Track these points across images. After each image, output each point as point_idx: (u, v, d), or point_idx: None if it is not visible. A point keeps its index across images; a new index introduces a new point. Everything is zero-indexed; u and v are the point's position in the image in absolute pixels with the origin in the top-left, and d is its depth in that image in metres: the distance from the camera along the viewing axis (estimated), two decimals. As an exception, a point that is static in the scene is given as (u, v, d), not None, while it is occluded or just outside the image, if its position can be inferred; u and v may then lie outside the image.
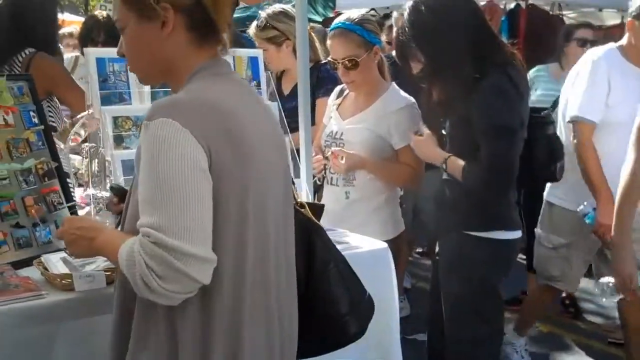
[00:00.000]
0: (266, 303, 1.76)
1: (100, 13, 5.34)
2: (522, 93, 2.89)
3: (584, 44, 5.00)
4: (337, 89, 3.56)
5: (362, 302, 2.14)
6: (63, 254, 2.27)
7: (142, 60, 1.80)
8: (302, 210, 2.03)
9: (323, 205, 2.30)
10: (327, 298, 2.02)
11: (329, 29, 3.38)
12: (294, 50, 3.84)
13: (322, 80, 3.90)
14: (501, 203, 2.98)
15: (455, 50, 2.88)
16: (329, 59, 3.36)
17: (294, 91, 3.66)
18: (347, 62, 3.24)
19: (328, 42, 3.36)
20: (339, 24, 3.29)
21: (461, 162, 2.93)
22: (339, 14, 5.42)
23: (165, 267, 1.53)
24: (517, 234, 3.03)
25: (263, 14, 4.03)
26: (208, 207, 1.59)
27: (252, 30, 4.05)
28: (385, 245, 2.87)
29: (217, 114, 1.65)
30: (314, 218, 2.03)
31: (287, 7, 4.17)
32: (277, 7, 4.06)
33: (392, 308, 2.82)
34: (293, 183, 1.99)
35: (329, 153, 3.27)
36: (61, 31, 6.60)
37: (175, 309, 1.63)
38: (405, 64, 3.07)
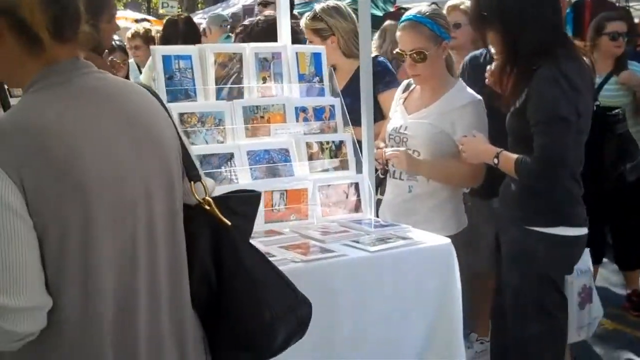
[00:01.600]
0: (131, 329, 1.60)
1: (180, 18, 5.39)
2: (577, 85, 2.82)
3: (616, 37, 4.87)
4: (404, 83, 3.55)
5: (290, 308, 1.87)
6: None
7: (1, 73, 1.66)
8: (208, 209, 1.78)
9: (257, 195, 1.98)
10: (243, 306, 1.80)
11: (400, 21, 3.38)
12: (340, 47, 3.87)
13: (378, 74, 3.89)
14: (564, 199, 2.94)
15: (528, 34, 2.87)
16: (396, 50, 3.36)
17: (347, 87, 3.67)
18: (415, 55, 3.23)
19: (397, 33, 3.36)
20: (410, 16, 3.29)
21: (514, 156, 2.89)
22: (399, 9, 5.41)
23: None
24: (581, 231, 2.98)
25: (318, 6, 4.08)
26: (25, 251, 1.43)
27: (303, 20, 4.09)
28: (449, 240, 2.85)
29: (38, 141, 1.46)
30: (221, 217, 1.77)
31: (343, 3, 4.18)
32: (332, 2, 4.08)
33: (455, 304, 2.79)
34: (192, 180, 1.79)
35: (387, 153, 3.27)
36: (128, 32, 6.76)
37: (17, 352, 1.51)
38: (482, 39, 3.11)
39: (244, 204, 1.90)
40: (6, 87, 2.45)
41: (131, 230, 1.58)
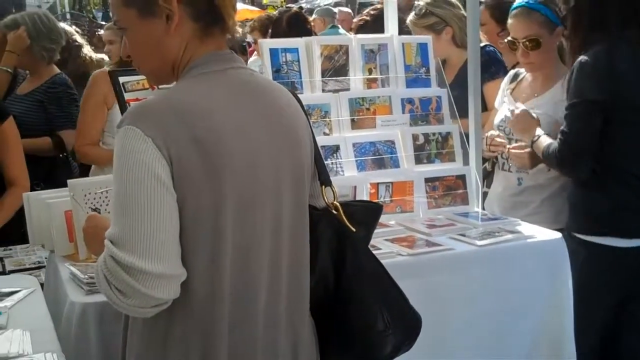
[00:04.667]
0: (251, 314, 1.64)
1: (285, 16, 5.39)
2: (618, 71, 2.70)
3: None
4: (511, 72, 3.46)
5: (402, 319, 1.87)
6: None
7: (151, 60, 1.69)
8: (335, 213, 1.83)
9: (379, 206, 2.04)
10: (359, 311, 1.81)
11: (511, 7, 3.29)
12: (454, 38, 3.78)
13: (485, 63, 3.78)
14: (612, 206, 2.76)
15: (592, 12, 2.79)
16: (508, 38, 3.27)
17: (457, 79, 3.59)
18: (527, 43, 3.14)
19: (509, 21, 3.27)
20: (522, 3, 3.20)
21: (546, 142, 2.91)
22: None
23: (122, 283, 1.47)
24: (631, 243, 2.74)
25: (421, 1, 3.92)
26: (168, 221, 1.50)
27: (409, 18, 3.96)
28: (560, 235, 2.76)
29: (186, 121, 1.53)
30: (347, 222, 1.82)
31: None
32: None
33: (566, 302, 2.71)
34: (324, 184, 1.84)
35: (506, 148, 3.19)
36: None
37: (149, 318, 1.58)
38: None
39: (366, 214, 1.94)
40: (122, 82, 2.54)
41: (258, 221, 1.62)
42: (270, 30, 5.26)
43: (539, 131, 3.00)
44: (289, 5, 9.62)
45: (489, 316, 2.62)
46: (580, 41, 2.82)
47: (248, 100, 1.65)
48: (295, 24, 5.19)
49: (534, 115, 3.07)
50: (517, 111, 3.10)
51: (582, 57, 2.76)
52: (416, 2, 3.98)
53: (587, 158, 2.79)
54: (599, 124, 2.75)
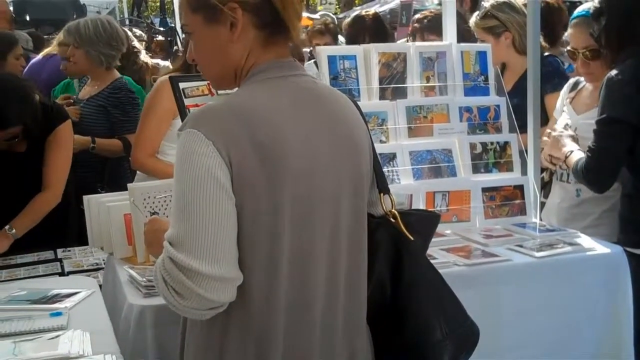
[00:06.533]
0: (307, 320, 1.64)
1: (367, 15, 5.35)
2: None
3: None
4: (571, 81, 3.40)
5: (460, 329, 1.85)
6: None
7: (214, 65, 1.71)
8: (393, 221, 1.82)
9: (437, 216, 2.04)
10: (416, 320, 1.80)
11: (571, 17, 3.24)
12: (514, 44, 3.74)
13: (548, 74, 3.72)
14: None
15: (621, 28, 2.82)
16: (568, 48, 3.22)
17: (516, 87, 3.55)
18: (587, 53, 3.08)
19: (569, 30, 3.23)
20: (582, 12, 3.15)
21: (577, 157, 2.89)
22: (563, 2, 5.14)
23: (179, 284, 1.49)
24: None
25: (486, 3, 3.93)
26: (226, 224, 1.51)
27: (472, 19, 3.97)
28: (621, 248, 2.71)
29: (248, 125, 1.54)
30: (405, 231, 1.81)
31: None
32: None
33: (626, 317, 2.66)
34: (382, 192, 1.83)
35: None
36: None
37: (206, 321, 1.60)
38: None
39: (424, 223, 1.93)
40: (182, 87, 2.57)
41: (317, 227, 1.62)
42: (348, 29, 5.23)
43: (572, 146, 3.00)
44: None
45: (546, 329, 2.58)
46: (613, 57, 2.84)
47: (309, 106, 1.66)
48: (380, 22, 5.23)
49: (569, 134, 3.08)
50: (552, 134, 3.13)
51: (611, 72, 2.78)
52: (483, 3, 3.98)
53: (611, 175, 2.83)
54: (627, 140, 2.77)
